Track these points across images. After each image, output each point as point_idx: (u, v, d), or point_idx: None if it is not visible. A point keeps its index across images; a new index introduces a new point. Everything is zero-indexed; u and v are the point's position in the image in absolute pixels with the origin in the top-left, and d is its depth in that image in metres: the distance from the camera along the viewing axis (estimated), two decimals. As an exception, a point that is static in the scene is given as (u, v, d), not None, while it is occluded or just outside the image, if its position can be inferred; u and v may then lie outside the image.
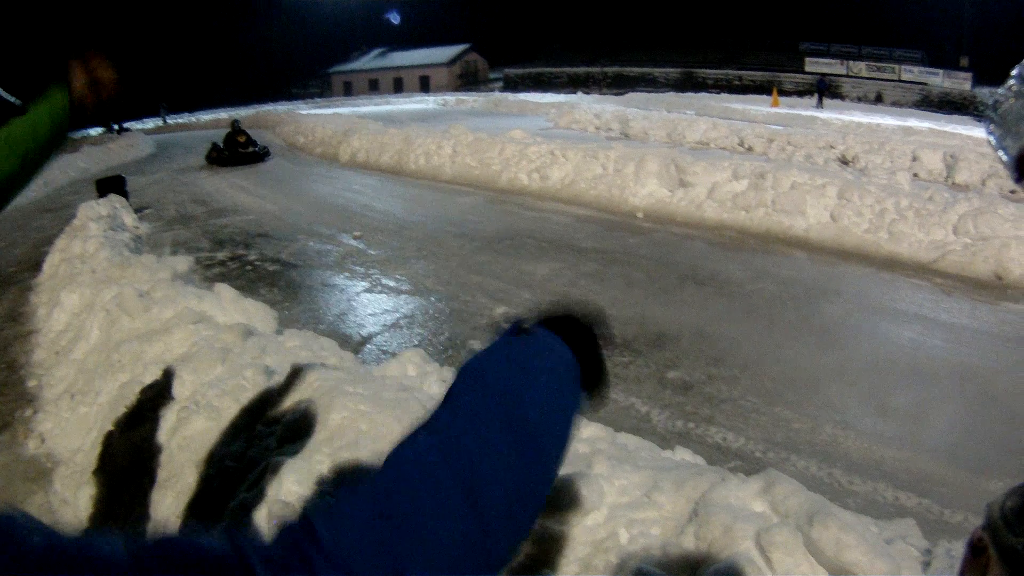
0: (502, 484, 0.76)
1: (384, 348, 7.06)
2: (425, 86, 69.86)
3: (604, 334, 1.02)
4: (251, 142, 22.67)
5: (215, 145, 22.66)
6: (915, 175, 15.48)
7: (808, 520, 2.79)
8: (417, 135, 18.52)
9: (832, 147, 18.61)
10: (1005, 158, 0.96)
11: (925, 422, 5.63)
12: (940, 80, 47.59)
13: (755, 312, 7.90)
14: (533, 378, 0.88)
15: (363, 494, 0.74)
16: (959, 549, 2.83)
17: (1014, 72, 0.94)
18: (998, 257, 9.23)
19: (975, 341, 7.26)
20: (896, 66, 50.30)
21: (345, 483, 3.09)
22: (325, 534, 0.68)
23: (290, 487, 3.11)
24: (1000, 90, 0.96)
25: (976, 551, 0.98)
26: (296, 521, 0.71)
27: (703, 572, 2.67)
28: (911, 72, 49.47)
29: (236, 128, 23.00)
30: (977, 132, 24.91)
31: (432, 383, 4.41)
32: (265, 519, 3.04)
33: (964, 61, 47.79)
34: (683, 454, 4.01)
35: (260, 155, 22.47)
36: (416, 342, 7.13)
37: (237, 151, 22.13)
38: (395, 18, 71.37)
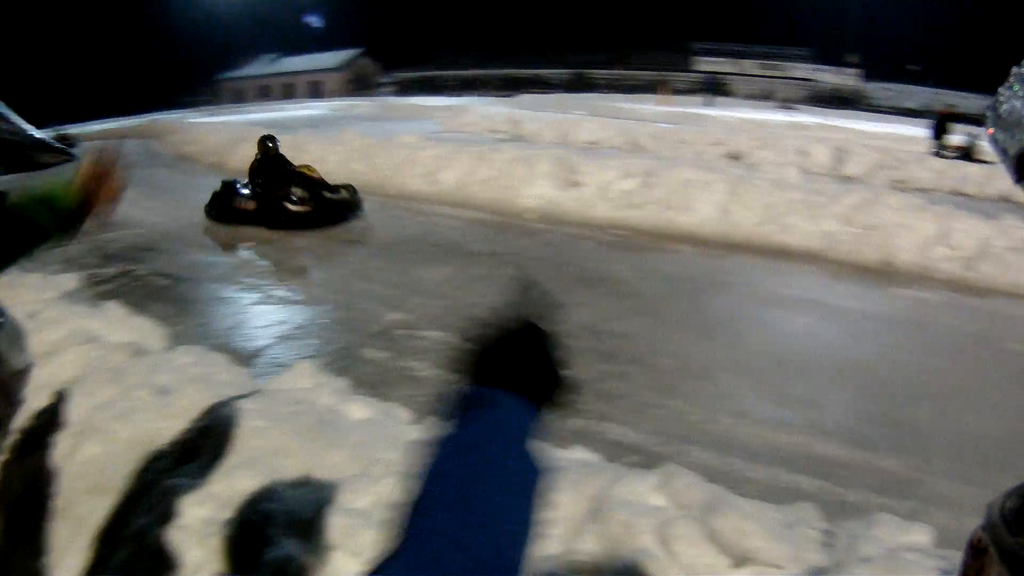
0: None
1: (276, 361, 6.91)
2: (316, 92, 68.76)
3: (557, 348, 0.97)
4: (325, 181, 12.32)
5: (232, 189, 12.32)
6: (804, 169, 15.87)
7: (708, 511, 2.82)
8: (307, 141, 18.17)
9: (721, 143, 18.97)
10: (1004, 158, 0.95)
11: (819, 406, 5.79)
12: (830, 77, 49.14)
13: (647, 308, 8.03)
14: (499, 472, 0.82)
15: None
16: (860, 529, 2.88)
17: (1013, 72, 0.94)
18: (886, 245, 9.53)
19: (865, 325, 7.54)
20: (785, 63, 51.73)
21: (245, 504, 3.05)
22: None
23: (187, 509, 3.08)
24: (1000, 90, 0.96)
25: (976, 551, 1.00)
26: None
27: (606, 570, 2.65)
28: (800, 69, 50.91)
29: (274, 152, 12.27)
30: (865, 126, 25.77)
31: (325, 394, 4.32)
32: (163, 544, 2.94)
33: (854, 58, 49.43)
34: (580, 453, 4.00)
35: (356, 204, 12.47)
36: (309, 353, 7.00)
37: (321, 199, 11.91)
38: (316, 21, 70.46)
